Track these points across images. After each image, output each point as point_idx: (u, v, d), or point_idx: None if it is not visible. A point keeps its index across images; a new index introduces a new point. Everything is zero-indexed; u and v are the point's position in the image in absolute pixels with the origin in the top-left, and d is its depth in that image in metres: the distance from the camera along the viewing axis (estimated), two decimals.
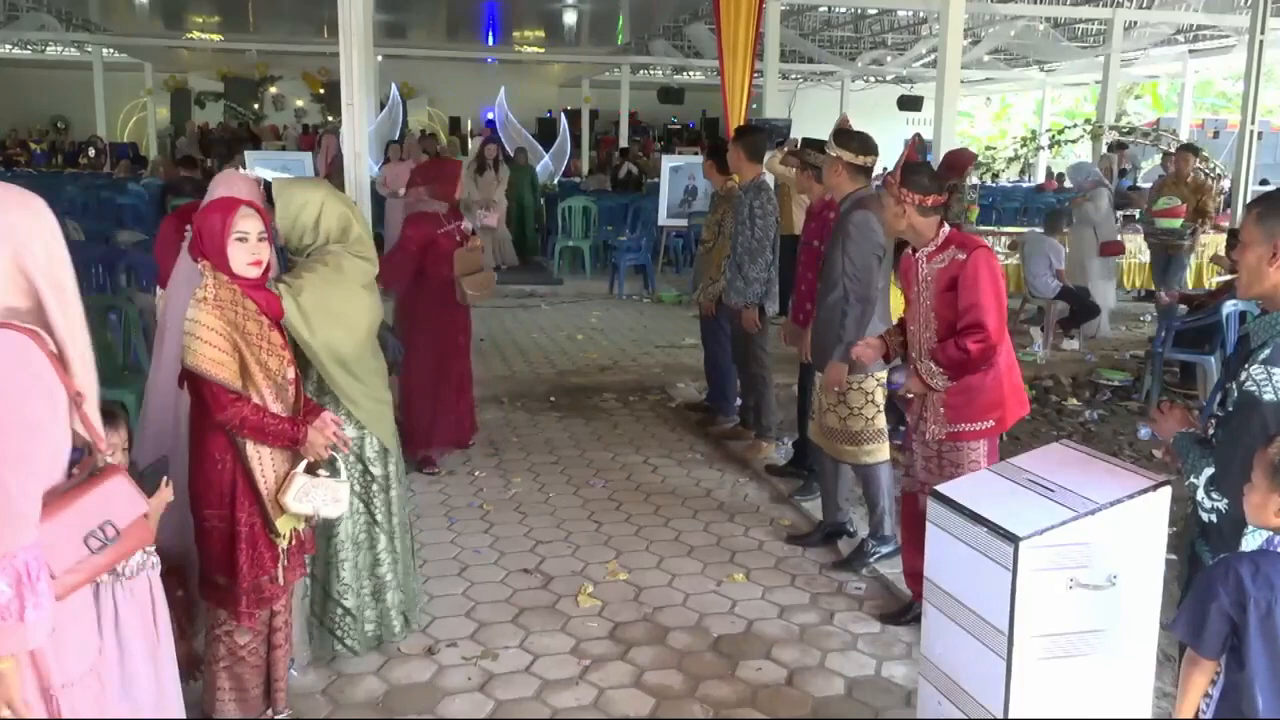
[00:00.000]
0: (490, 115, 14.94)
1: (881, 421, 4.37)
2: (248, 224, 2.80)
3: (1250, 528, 2.18)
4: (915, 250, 3.65)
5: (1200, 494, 2.37)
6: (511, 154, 13.96)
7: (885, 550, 4.41)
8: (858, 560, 4.41)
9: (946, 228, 3.61)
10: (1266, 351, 2.24)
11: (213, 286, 2.76)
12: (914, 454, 3.76)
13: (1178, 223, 8.93)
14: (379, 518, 3.50)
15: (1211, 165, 12.69)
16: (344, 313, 3.24)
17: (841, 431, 4.39)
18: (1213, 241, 9.85)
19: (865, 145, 4.43)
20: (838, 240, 4.35)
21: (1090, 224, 9.15)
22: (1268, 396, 2.21)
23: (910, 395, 3.69)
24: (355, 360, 3.31)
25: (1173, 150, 11.86)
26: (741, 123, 9.62)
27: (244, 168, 9.76)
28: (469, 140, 19.17)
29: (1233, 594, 2.06)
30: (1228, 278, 7.01)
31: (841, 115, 5.03)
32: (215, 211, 2.82)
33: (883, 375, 4.30)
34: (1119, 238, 9.48)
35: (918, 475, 3.73)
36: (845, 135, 4.50)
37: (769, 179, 6.00)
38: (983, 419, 3.58)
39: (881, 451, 4.38)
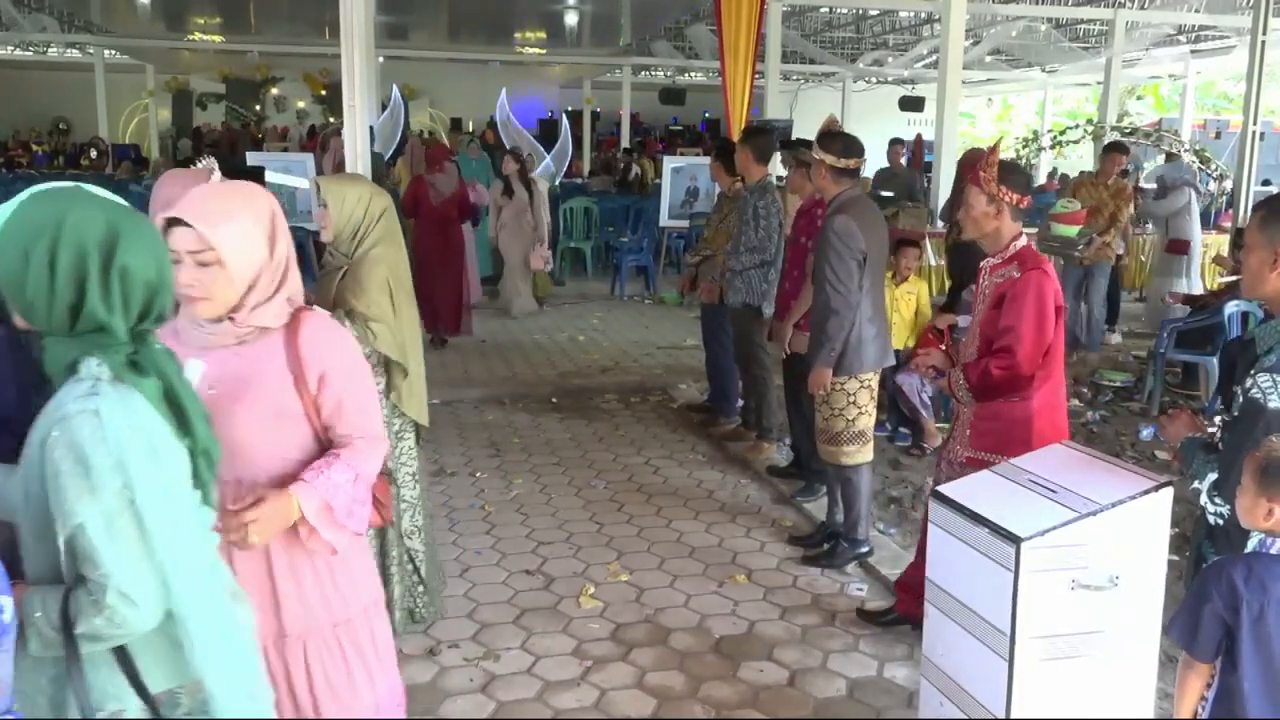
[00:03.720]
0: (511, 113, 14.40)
1: (863, 424, 4.35)
2: None
3: (1255, 531, 2.18)
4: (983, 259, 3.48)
5: (1204, 499, 2.37)
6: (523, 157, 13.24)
7: (859, 552, 4.42)
8: (828, 561, 4.43)
9: (1023, 239, 3.40)
10: (1272, 358, 2.24)
11: None
12: (941, 473, 3.63)
13: (1074, 230, 7.54)
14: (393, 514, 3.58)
15: (1213, 165, 12.70)
16: (413, 326, 3.48)
17: (824, 431, 4.40)
18: (1215, 242, 9.84)
19: (849, 148, 4.40)
20: (821, 246, 4.33)
21: (1162, 221, 9.21)
22: (1273, 404, 2.21)
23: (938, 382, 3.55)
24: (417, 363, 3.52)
25: (1175, 151, 11.85)
26: (742, 124, 9.62)
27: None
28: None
29: (1226, 597, 2.07)
30: (1231, 278, 6.96)
31: (829, 117, 5.01)
32: None
33: (866, 376, 4.31)
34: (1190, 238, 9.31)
35: None
36: (829, 138, 4.48)
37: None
38: (1003, 452, 3.29)
39: (862, 454, 4.36)
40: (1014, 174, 3.41)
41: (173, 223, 1.96)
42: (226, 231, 1.95)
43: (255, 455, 2.03)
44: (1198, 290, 8.80)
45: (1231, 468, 2.29)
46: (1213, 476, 2.35)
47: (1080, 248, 7.60)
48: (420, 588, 3.74)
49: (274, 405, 2.04)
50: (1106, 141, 14.33)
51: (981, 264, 3.50)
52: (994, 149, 3.52)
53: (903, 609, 3.77)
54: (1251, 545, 2.16)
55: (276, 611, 2.08)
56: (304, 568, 2.10)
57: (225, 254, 1.94)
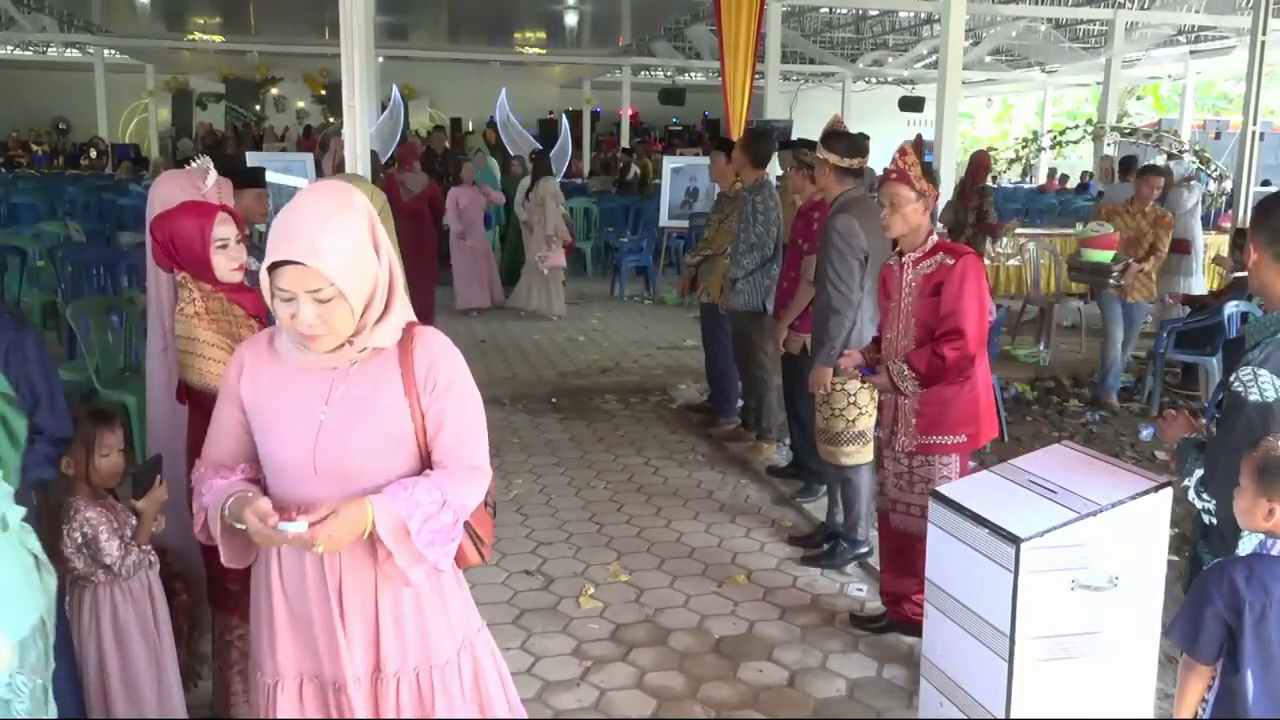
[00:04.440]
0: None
1: (863, 424, 4.35)
2: (226, 229, 2.77)
3: (1246, 530, 2.19)
4: (902, 255, 3.59)
5: (1191, 495, 2.39)
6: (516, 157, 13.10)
7: (858, 552, 4.43)
8: (827, 561, 4.44)
9: (935, 235, 3.57)
10: (1256, 353, 2.27)
11: (200, 299, 2.72)
12: (885, 471, 3.70)
13: (1109, 255, 6.89)
14: None
15: (1213, 166, 12.70)
16: None
17: (824, 431, 4.41)
18: (1215, 242, 9.84)
19: (853, 147, 4.41)
20: (823, 245, 4.35)
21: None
22: (1253, 397, 2.22)
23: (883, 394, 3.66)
24: None
25: (1175, 152, 11.82)
26: (742, 124, 9.62)
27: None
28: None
29: (1227, 599, 2.07)
30: (1238, 274, 6.91)
31: (834, 117, 5.02)
32: (191, 219, 2.74)
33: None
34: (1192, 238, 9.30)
35: (889, 493, 3.68)
36: (833, 137, 4.50)
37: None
38: (956, 432, 3.50)
39: (862, 454, 4.37)
40: (930, 170, 3.58)
41: (278, 262, 1.82)
42: (341, 260, 1.81)
43: (365, 481, 1.91)
44: (1201, 290, 8.78)
45: (1216, 462, 2.30)
46: (1199, 473, 2.36)
47: (1116, 274, 6.86)
48: None
49: (389, 429, 1.93)
50: (1105, 141, 14.40)
51: (904, 259, 3.58)
52: (908, 147, 3.61)
53: (895, 616, 3.77)
54: (1246, 546, 2.16)
55: (376, 647, 2.00)
56: (407, 605, 2.01)
57: (345, 286, 1.82)
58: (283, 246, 1.81)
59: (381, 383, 1.94)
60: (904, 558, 3.62)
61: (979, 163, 8.79)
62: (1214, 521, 2.36)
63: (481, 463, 2.03)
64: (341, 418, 1.91)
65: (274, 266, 1.82)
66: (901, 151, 3.60)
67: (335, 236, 1.81)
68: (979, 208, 8.39)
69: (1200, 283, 9.02)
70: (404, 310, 1.97)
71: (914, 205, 3.49)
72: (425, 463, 1.99)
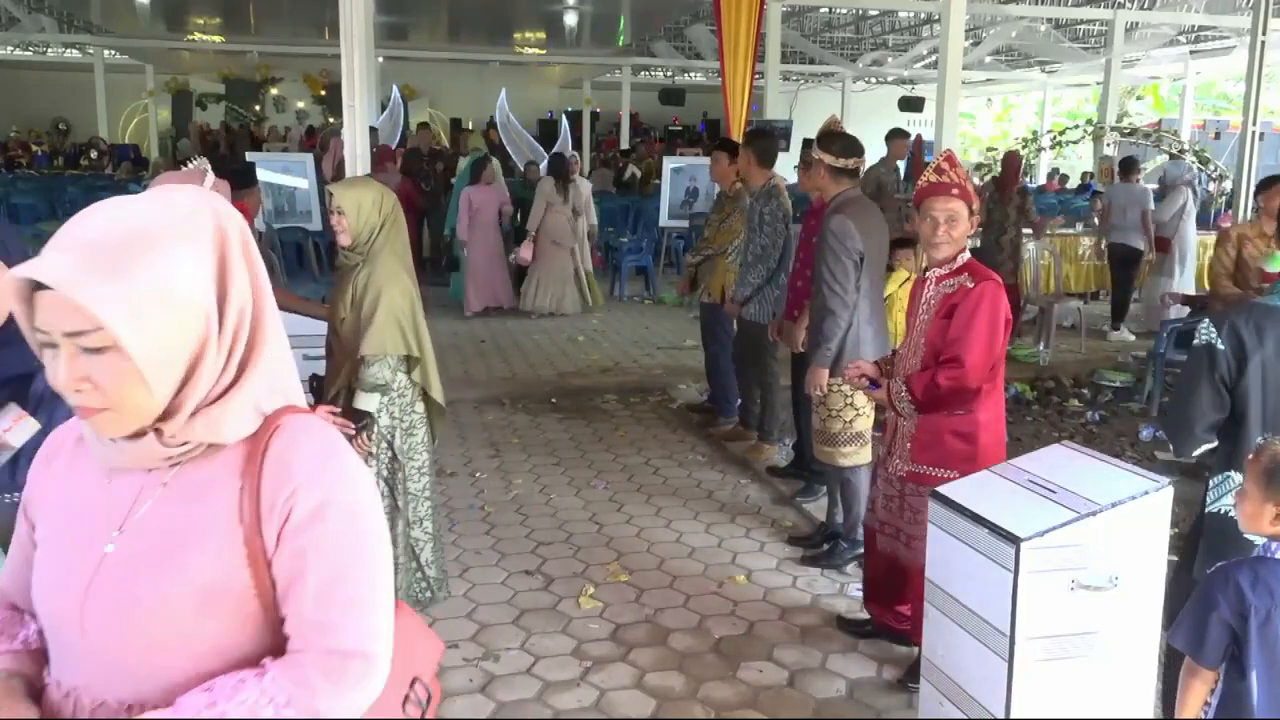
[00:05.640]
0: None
1: (861, 425, 4.33)
2: None
3: (1214, 483, 2.45)
4: (928, 270, 3.40)
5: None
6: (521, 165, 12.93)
7: (858, 552, 4.40)
8: (827, 561, 4.43)
9: (967, 253, 3.33)
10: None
11: None
12: (878, 489, 3.58)
13: None
14: (400, 503, 3.71)
15: (1213, 166, 12.71)
16: (422, 327, 3.59)
17: (821, 432, 4.40)
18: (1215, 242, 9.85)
19: (848, 148, 4.40)
20: (819, 246, 4.34)
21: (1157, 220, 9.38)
22: (1195, 341, 2.60)
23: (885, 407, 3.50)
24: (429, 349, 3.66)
25: (1174, 152, 11.83)
26: (742, 124, 9.61)
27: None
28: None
29: (1233, 603, 2.06)
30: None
31: (830, 117, 4.99)
32: None
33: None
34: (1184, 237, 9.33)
35: (879, 513, 3.56)
36: (828, 138, 4.49)
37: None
38: (948, 466, 3.24)
39: (859, 455, 4.35)
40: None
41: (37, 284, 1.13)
42: (120, 289, 1.11)
43: (162, 670, 1.19)
44: (1189, 288, 8.85)
45: (1172, 399, 2.61)
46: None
47: None
48: (419, 574, 3.84)
49: (204, 574, 1.19)
50: (1105, 141, 14.39)
51: (927, 274, 3.39)
52: (955, 157, 3.36)
53: (880, 624, 3.74)
54: (1216, 496, 2.27)
55: None
56: None
57: (124, 333, 1.11)
58: (33, 260, 1.14)
59: (206, 500, 1.22)
60: (890, 582, 3.55)
61: (1015, 163, 8.95)
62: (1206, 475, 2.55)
63: (362, 646, 1.21)
64: (134, 553, 1.20)
65: (32, 294, 1.15)
66: (950, 162, 3.31)
67: (124, 250, 1.13)
68: (1020, 206, 8.48)
69: (1189, 282, 9.09)
70: (263, 388, 1.24)
71: (966, 224, 3.27)
72: (277, 635, 1.23)
